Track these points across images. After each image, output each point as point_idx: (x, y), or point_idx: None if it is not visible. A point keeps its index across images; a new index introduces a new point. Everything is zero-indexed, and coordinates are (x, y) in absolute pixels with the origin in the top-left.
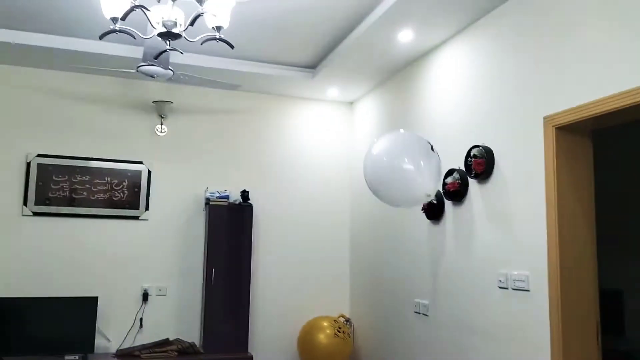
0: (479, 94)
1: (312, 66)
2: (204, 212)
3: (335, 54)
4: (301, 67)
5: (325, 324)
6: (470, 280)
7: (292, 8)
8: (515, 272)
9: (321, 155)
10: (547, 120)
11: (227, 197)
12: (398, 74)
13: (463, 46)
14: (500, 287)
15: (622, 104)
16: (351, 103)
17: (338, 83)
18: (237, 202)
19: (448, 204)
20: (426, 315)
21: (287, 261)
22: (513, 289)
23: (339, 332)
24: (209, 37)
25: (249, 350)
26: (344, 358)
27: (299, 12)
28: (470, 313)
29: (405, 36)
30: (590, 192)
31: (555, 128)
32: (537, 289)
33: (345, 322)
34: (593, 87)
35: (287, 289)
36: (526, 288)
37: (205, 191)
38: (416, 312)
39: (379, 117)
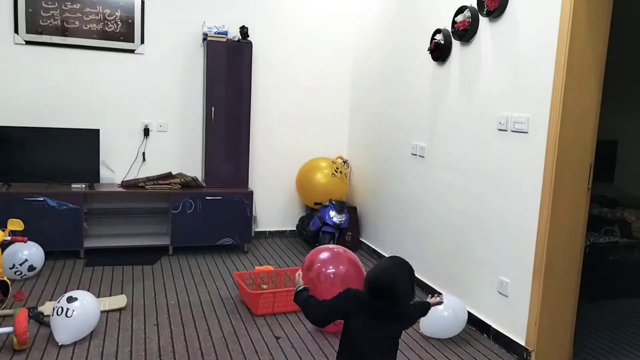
0: None
1: None
2: (202, 47)
3: None
4: None
5: (323, 164)
6: (469, 123)
7: None
8: (516, 114)
9: None
10: None
11: (225, 33)
12: None
13: None
14: (500, 129)
15: None
16: None
17: None
18: (236, 39)
19: (456, 44)
20: (422, 157)
21: (286, 102)
22: (512, 131)
23: (336, 172)
24: None
25: (251, 187)
26: (341, 196)
27: None
28: (466, 155)
29: None
30: (604, 39)
31: None
32: (535, 131)
33: (342, 163)
34: None
35: (286, 130)
36: (525, 130)
37: (203, 26)
38: (413, 154)
39: None
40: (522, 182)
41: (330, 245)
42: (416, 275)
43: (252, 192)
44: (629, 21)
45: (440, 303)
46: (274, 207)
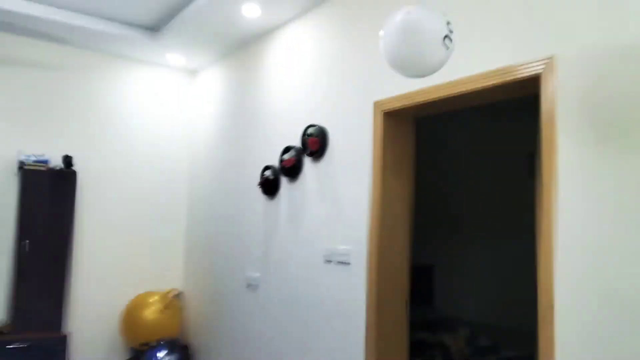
0: (318, 75)
1: (154, 28)
2: (17, 177)
3: (179, 18)
4: (142, 27)
5: (151, 300)
6: (299, 255)
7: None
8: (340, 247)
9: (159, 122)
10: (377, 105)
11: (46, 162)
12: (244, 47)
13: (307, 28)
14: (325, 261)
15: (442, 94)
16: (194, 72)
17: (181, 50)
18: (57, 168)
19: (284, 180)
20: (256, 288)
21: (116, 234)
22: (336, 263)
23: (167, 307)
24: None
25: (66, 329)
26: (173, 333)
27: None
28: (297, 286)
29: (251, 11)
30: (410, 175)
31: (384, 113)
32: (357, 263)
33: (175, 297)
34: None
35: (115, 264)
36: (347, 262)
37: (18, 154)
38: (248, 286)
39: (223, 89)
40: (347, 312)
41: None
42: None
43: (66, 336)
44: (436, 162)
45: None
46: (95, 351)
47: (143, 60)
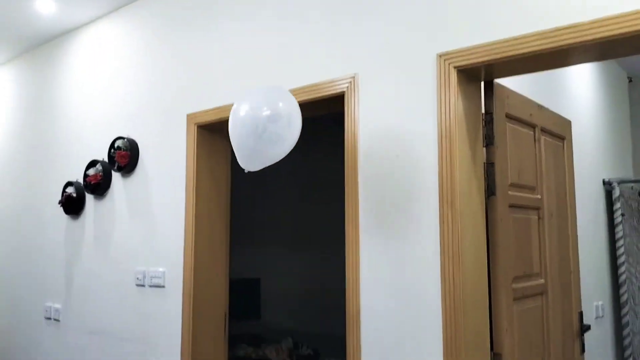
0: (127, 83)
1: None
2: None
3: None
4: None
5: None
6: (107, 279)
7: None
8: (153, 269)
9: None
10: (190, 117)
11: None
12: (42, 47)
13: (113, 28)
14: (138, 285)
15: None
16: None
17: None
18: None
19: (89, 197)
20: (57, 320)
21: None
22: (150, 286)
23: None
24: None
25: None
26: None
27: None
28: (105, 314)
29: (46, 6)
30: (227, 190)
31: (197, 126)
32: (172, 285)
33: None
34: (231, 91)
35: None
36: (162, 284)
37: None
38: (47, 318)
39: (17, 94)
40: (163, 336)
41: None
42: None
43: None
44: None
45: None
46: None
47: None
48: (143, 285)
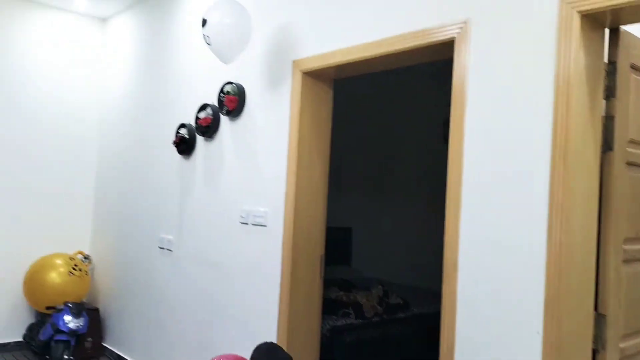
0: None
1: None
2: None
3: None
4: None
5: (59, 261)
6: (215, 216)
7: None
8: (256, 209)
9: (65, 73)
10: (296, 64)
11: None
12: None
13: None
14: (242, 223)
15: (361, 56)
16: (104, 20)
17: None
18: None
19: (200, 139)
20: (170, 250)
21: (17, 194)
22: (253, 224)
23: (74, 269)
24: None
25: None
26: (80, 297)
27: None
28: (213, 248)
29: None
30: (327, 137)
31: (302, 72)
32: (273, 225)
33: (83, 259)
34: (338, 38)
35: (13, 224)
36: (264, 224)
37: None
38: (160, 248)
39: (136, 40)
40: (264, 272)
41: None
42: None
43: None
44: (360, 118)
45: None
46: None
47: (42, 2)
48: (246, 224)
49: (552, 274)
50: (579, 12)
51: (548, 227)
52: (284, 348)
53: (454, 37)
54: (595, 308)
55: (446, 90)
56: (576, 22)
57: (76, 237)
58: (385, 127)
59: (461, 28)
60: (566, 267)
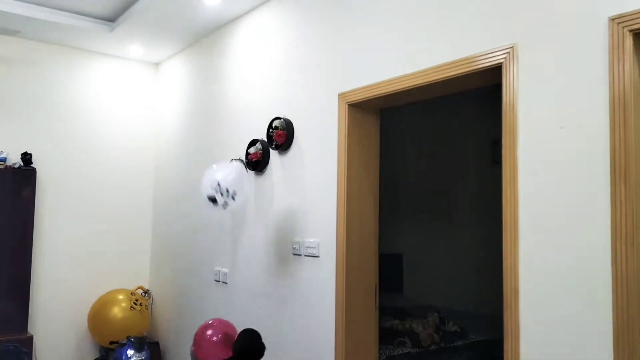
0: (282, 65)
1: (111, 19)
2: None
3: (135, 8)
4: (98, 18)
5: (120, 297)
6: (267, 248)
7: None
8: (308, 240)
9: (122, 116)
10: (341, 96)
11: (4, 160)
12: (207, 37)
13: (270, 16)
14: (295, 254)
15: (406, 86)
16: (157, 64)
17: (140, 40)
18: (16, 166)
19: (251, 173)
20: (225, 283)
21: (79, 232)
22: (305, 255)
23: (135, 304)
24: None
25: (30, 331)
26: (142, 331)
27: None
28: (266, 280)
29: None
30: (376, 166)
31: (348, 105)
32: (326, 255)
33: (143, 294)
34: (383, 68)
35: (78, 263)
36: (316, 254)
37: None
38: (216, 281)
39: (187, 81)
40: (317, 303)
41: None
42: None
43: (31, 337)
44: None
45: None
46: (62, 351)
47: (102, 52)
48: (299, 255)
49: (620, 305)
50: (631, 31)
51: (612, 255)
52: None
53: (501, 62)
54: None
55: (489, 109)
56: (628, 41)
57: (136, 273)
58: (433, 151)
59: (508, 53)
60: (635, 299)
